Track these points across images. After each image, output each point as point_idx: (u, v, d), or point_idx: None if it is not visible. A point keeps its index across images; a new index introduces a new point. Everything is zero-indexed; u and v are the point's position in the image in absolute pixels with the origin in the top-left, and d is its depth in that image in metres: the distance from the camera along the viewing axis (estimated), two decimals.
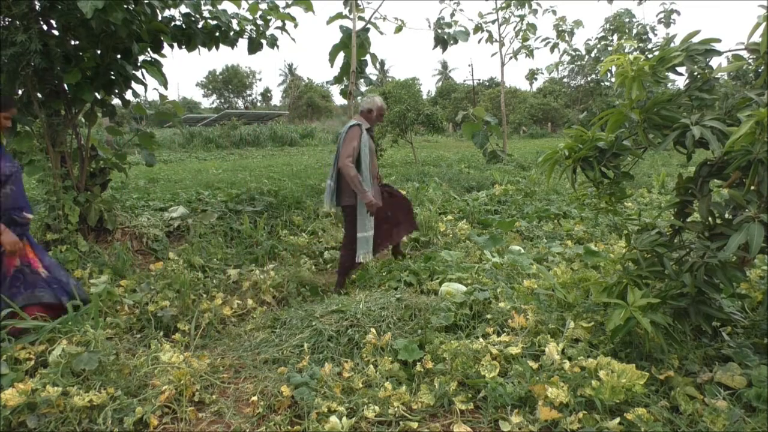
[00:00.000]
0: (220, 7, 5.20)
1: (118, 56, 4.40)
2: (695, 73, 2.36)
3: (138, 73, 4.64)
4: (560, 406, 2.08)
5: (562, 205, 6.90)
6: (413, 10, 14.31)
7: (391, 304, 3.05)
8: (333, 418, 2.09)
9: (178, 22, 4.98)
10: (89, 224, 4.64)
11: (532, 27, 14.20)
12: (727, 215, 2.22)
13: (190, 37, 5.02)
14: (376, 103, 4.30)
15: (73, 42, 4.33)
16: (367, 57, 8.11)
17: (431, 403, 2.25)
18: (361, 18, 7.90)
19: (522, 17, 14.04)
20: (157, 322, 3.34)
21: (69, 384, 2.25)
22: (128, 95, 4.75)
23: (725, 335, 2.57)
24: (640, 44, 13.97)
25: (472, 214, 6.59)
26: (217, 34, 5.20)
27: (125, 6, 3.85)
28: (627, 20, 15.09)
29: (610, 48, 14.91)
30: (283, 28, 5.71)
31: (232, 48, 5.46)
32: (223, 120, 27.35)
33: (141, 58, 4.63)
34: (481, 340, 2.62)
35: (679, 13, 14.23)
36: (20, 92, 4.38)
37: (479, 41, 13.71)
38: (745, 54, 2.30)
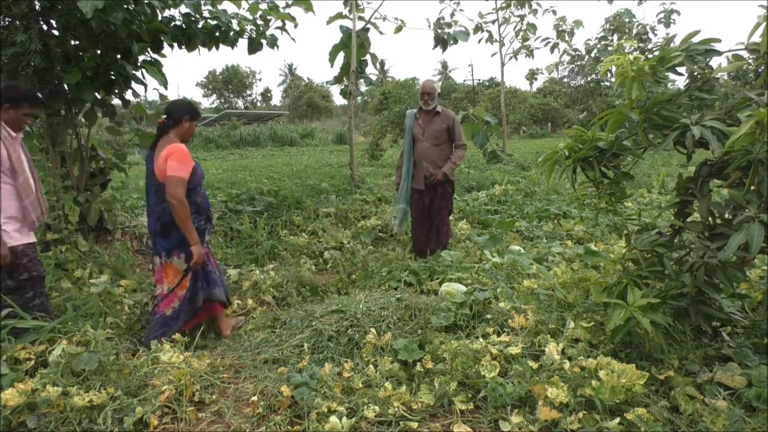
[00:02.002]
0: (220, 7, 5.19)
1: (118, 56, 4.40)
2: (695, 73, 2.36)
3: (138, 73, 4.64)
4: (560, 406, 2.08)
5: (562, 205, 6.90)
6: (413, 10, 14.32)
7: (391, 304, 3.05)
8: (333, 418, 2.09)
9: (178, 22, 4.97)
10: (89, 224, 4.64)
11: (532, 27, 14.20)
12: (727, 215, 2.22)
13: (190, 37, 5.01)
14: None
15: (73, 42, 4.32)
16: (367, 57, 8.13)
17: (431, 403, 2.25)
18: (361, 18, 7.91)
19: (522, 17, 14.04)
20: None
21: (69, 384, 2.25)
22: (128, 95, 4.75)
23: (725, 335, 2.57)
24: (640, 44, 13.95)
25: (472, 214, 6.60)
26: (217, 34, 5.20)
27: (125, 6, 3.85)
28: (627, 20, 15.08)
29: (610, 48, 14.90)
30: (283, 28, 5.71)
31: (232, 48, 5.46)
32: (223, 120, 27.32)
33: (141, 58, 4.63)
34: (481, 340, 2.62)
35: (679, 13, 14.23)
36: None
37: (479, 41, 13.73)
38: (745, 54, 2.30)
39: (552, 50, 15.24)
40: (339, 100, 47.20)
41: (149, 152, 3.15)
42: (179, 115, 3.11)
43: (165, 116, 3.14)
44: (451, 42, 9.35)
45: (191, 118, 3.15)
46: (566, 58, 16.12)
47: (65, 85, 4.34)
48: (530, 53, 14.69)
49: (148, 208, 3.16)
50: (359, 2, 7.85)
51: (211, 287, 3.24)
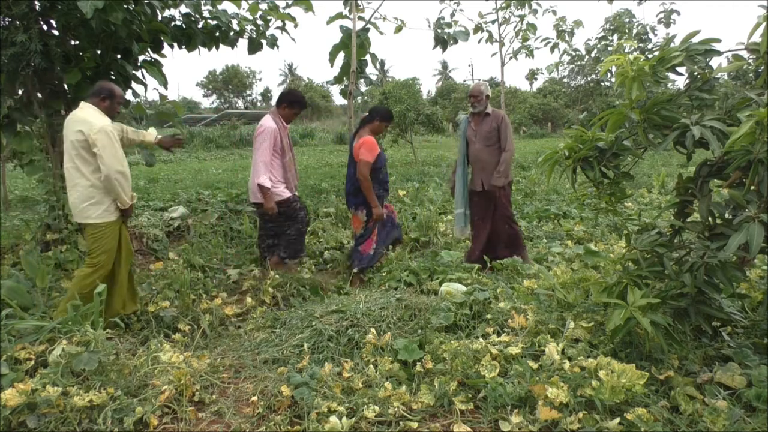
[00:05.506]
0: (220, 7, 5.20)
1: (118, 56, 4.40)
2: (695, 73, 2.36)
3: (138, 73, 4.65)
4: (560, 406, 2.08)
5: (562, 205, 6.91)
6: (413, 10, 14.29)
7: (391, 304, 3.05)
8: (333, 418, 2.09)
9: (178, 22, 4.98)
10: None
11: (532, 27, 14.15)
12: (727, 215, 2.21)
13: (190, 37, 5.02)
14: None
15: (73, 42, 4.33)
16: (367, 57, 8.11)
17: (431, 403, 2.25)
18: (361, 18, 7.90)
19: (522, 17, 13.99)
20: (158, 322, 3.34)
21: (69, 384, 2.25)
22: (128, 95, 4.75)
23: (725, 335, 2.57)
24: (640, 44, 13.93)
25: None
26: (217, 34, 5.20)
27: (125, 6, 3.85)
28: (627, 20, 15.05)
29: (610, 48, 14.87)
30: (283, 28, 5.71)
31: (232, 48, 5.47)
32: (223, 120, 27.32)
33: (141, 58, 4.63)
34: (481, 340, 2.62)
35: (679, 13, 14.18)
36: (20, 92, 4.38)
37: (479, 41, 13.66)
38: (745, 54, 2.30)
39: (552, 50, 15.17)
40: (339, 100, 47.10)
41: (353, 137, 4.40)
42: (374, 115, 4.27)
43: (367, 113, 4.29)
44: (451, 42, 9.33)
45: (381, 119, 4.30)
46: (566, 58, 16.06)
47: (65, 85, 4.34)
48: (530, 53, 14.64)
49: (348, 175, 4.38)
50: (359, 2, 7.84)
51: (386, 241, 4.47)
